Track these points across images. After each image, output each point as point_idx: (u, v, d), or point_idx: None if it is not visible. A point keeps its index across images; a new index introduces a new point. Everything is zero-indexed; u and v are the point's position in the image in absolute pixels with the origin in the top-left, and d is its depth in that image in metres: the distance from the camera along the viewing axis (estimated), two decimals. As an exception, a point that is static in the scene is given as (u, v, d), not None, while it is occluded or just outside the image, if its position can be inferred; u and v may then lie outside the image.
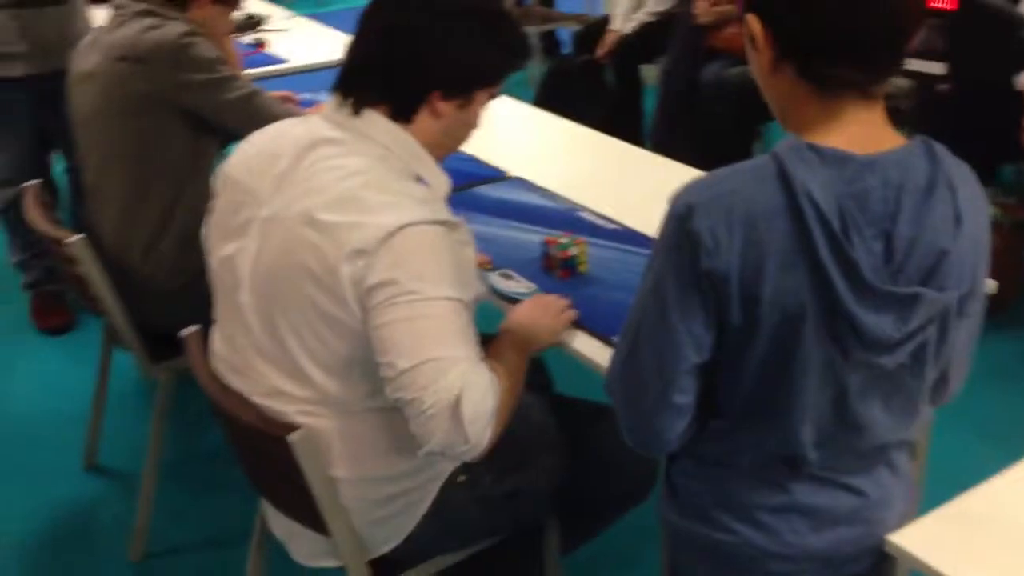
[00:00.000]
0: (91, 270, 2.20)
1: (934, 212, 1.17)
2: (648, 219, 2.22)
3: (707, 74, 4.10)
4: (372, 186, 1.49)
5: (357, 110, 1.57)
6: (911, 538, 1.32)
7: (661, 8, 4.59)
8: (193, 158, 2.38)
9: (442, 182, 1.63)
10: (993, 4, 3.09)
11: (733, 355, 1.22)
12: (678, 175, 2.55)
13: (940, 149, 1.21)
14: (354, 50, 1.61)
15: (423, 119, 1.59)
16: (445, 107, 1.59)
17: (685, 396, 1.25)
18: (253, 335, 1.58)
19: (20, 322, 3.48)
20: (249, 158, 1.62)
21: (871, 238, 1.15)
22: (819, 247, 1.13)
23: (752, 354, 1.20)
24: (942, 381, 1.34)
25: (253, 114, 2.32)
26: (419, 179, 1.58)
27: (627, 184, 2.53)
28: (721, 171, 1.20)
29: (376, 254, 1.43)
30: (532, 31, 5.49)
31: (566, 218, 2.28)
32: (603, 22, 4.88)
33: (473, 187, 2.45)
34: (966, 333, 1.31)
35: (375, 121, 1.57)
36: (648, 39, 4.59)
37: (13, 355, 3.32)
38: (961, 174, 1.21)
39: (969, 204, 1.20)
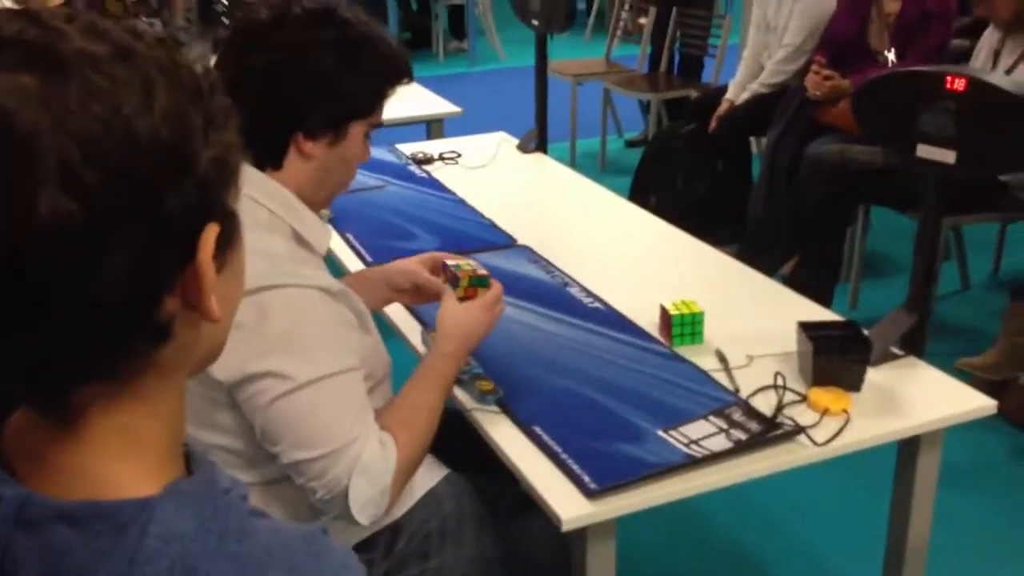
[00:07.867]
0: None
1: None
2: (636, 301, 2.09)
3: (811, 149, 3.88)
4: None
5: None
6: None
7: (777, 80, 4.38)
8: None
9: (321, 238, 1.54)
10: None
11: None
12: (691, 253, 2.39)
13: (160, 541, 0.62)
14: None
15: (292, 163, 1.51)
16: (313, 147, 1.50)
17: None
18: None
19: None
20: None
21: None
22: None
23: None
24: None
25: None
26: (300, 239, 1.51)
27: (638, 261, 2.39)
28: None
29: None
30: (655, 99, 5.39)
31: (552, 293, 2.16)
32: (720, 92, 4.71)
33: (478, 253, 2.37)
34: None
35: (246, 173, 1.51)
36: (760, 111, 4.40)
37: None
38: None
39: None
